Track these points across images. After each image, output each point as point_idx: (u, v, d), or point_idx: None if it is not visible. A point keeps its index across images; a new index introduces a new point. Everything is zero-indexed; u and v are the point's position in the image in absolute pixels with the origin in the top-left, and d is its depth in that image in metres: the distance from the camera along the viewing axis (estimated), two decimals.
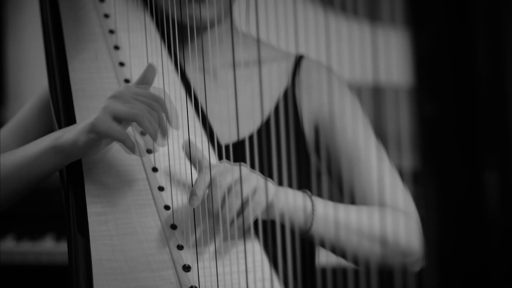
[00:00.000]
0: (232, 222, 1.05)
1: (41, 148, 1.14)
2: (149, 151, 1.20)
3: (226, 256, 1.10)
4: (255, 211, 1.06)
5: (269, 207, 1.09)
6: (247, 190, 1.05)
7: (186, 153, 1.13)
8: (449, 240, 0.55)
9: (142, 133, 1.22)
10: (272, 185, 1.09)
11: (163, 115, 1.11)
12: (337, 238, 1.16)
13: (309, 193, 1.15)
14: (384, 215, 1.20)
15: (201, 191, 1.05)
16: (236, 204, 1.04)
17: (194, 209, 1.08)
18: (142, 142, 1.20)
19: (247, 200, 1.05)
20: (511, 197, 0.54)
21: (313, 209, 1.13)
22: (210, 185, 1.05)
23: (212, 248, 1.10)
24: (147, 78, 1.15)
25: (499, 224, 0.54)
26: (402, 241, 1.16)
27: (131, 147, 1.08)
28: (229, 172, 1.05)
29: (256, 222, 1.09)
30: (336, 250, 1.16)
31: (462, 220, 0.55)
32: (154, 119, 1.09)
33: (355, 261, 1.16)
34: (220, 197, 1.04)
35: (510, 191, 0.54)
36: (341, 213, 1.16)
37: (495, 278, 0.54)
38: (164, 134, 1.12)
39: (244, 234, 1.08)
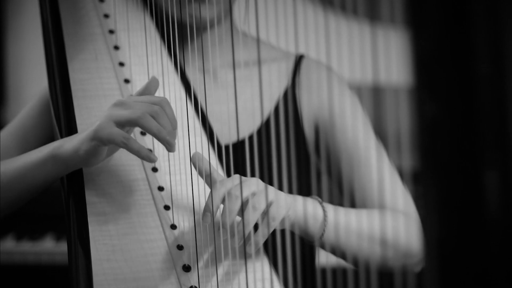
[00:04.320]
0: (248, 239, 1.03)
1: (41, 157, 1.14)
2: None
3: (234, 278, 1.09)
4: (271, 226, 1.03)
5: (282, 220, 1.07)
6: (263, 204, 1.02)
7: (194, 166, 1.10)
8: (449, 240, 0.55)
9: (143, 133, 1.21)
10: (286, 198, 1.07)
11: (167, 115, 1.09)
12: (348, 245, 1.15)
13: (319, 199, 1.14)
14: (385, 218, 1.20)
15: (216, 206, 1.02)
16: (254, 218, 1.02)
17: (201, 226, 1.07)
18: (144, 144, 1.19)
19: (263, 214, 1.03)
20: (511, 197, 0.54)
21: (324, 217, 1.12)
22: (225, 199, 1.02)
23: (220, 267, 1.09)
24: (149, 89, 1.14)
25: (499, 224, 0.54)
26: (403, 244, 1.16)
27: (136, 150, 1.07)
28: (244, 185, 1.03)
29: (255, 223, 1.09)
30: (346, 255, 1.15)
31: (462, 220, 0.55)
32: (157, 119, 1.07)
33: (356, 261, 1.16)
34: (236, 210, 1.02)
35: (510, 191, 0.54)
36: (351, 219, 1.15)
37: (495, 279, 0.54)
38: (172, 135, 1.09)
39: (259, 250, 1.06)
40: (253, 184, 1.04)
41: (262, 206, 1.02)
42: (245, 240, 1.03)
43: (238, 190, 1.02)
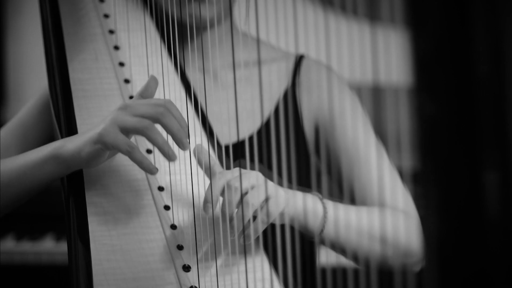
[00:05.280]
0: (241, 232, 1.04)
1: (41, 157, 1.14)
2: (148, 151, 1.20)
3: (233, 269, 1.09)
4: (265, 222, 1.04)
5: (280, 215, 1.07)
6: (260, 199, 1.03)
7: (196, 158, 1.11)
8: (449, 240, 0.55)
9: (148, 151, 1.21)
10: (284, 194, 1.07)
11: (174, 116, 1.08)
12: (347, 241, 1.15)
13: (319, 195, 1.14)
14: (385, 216, 1.20)
15: (215, 197, 1.03)
16: (248, 214, 1.02)
17: (196, 222, 1.07)
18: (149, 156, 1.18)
19: (260, 209, 1.03)
20: (511, 197, 0.54)
21: (324, 213, 1.12)
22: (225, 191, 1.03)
23: (219, 261, 1.09)
24: (149, 89, 1.14)
25: (499, 224, 0.54)
26: (402, 242, 1.16)
27: (138, 160, 1.07)
28: (244, 178, 1.03)
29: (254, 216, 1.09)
30: (346, 252, 1.16)
31: (462, 220, 0.55)
32: (163, 120, 1.07)
33: (356, 258, 1.16)
34: (235, 202, 1.02)
35: (510, 191, 0.54)
36: (351, 215, 1.15)
37: (495, 279, 0.54)
38: (182, 134, 1.08)
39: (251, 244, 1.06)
40: (253, 177, 1.04)
41: (259, 200, 1.03)
42: (241, 234, 1.04)
43: (237, 181, 1.03)
